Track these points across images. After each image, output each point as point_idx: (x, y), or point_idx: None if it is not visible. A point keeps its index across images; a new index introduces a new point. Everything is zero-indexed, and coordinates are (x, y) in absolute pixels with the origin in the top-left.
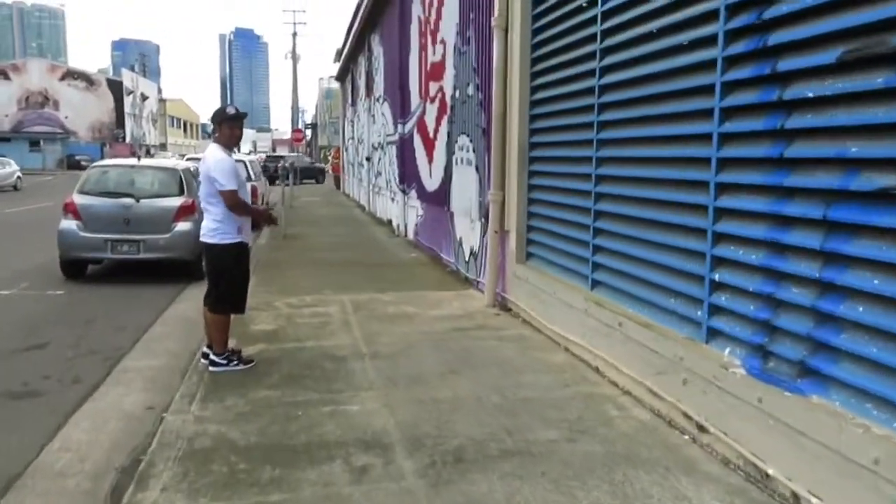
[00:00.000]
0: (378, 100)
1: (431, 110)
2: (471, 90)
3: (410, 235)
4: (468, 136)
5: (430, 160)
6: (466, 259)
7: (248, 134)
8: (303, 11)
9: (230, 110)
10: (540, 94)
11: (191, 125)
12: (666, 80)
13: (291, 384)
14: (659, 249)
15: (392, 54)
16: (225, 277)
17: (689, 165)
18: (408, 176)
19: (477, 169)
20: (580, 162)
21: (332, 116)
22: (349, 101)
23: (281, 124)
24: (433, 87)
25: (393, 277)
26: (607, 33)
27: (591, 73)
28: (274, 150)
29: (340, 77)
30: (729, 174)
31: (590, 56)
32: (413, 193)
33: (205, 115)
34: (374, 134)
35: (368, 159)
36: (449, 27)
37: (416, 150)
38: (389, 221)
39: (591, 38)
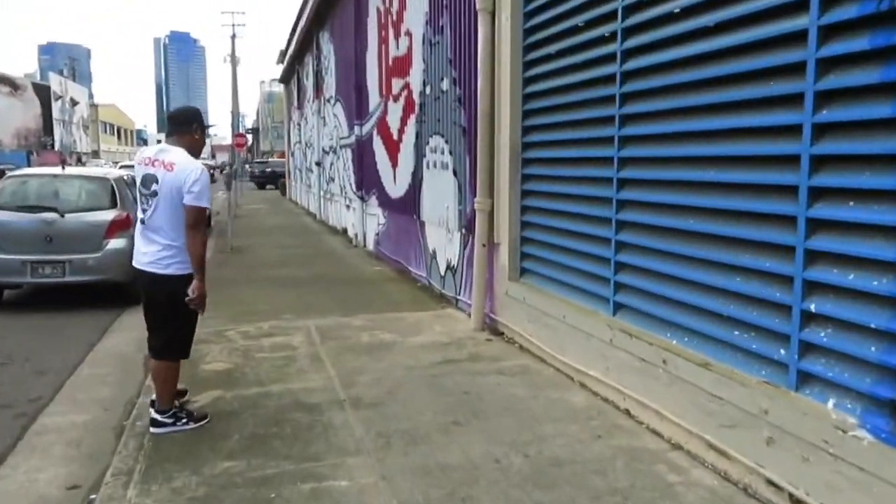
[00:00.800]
0: (329, 101)
1: (395, 109)
2: (445, 85)
3: (371, 246)
4: (443, 136)
5: (395, 164)
6: (442, 274)
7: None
8: (242, 13)
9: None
10: (536, 87)
11: (125, 131)
12: (732, 58)
13: (257, 449)
14: (721, 271)
15: (345, 51)
16: (181, 316)
17: (771, 166)
18: (366, 182)
19: (455, 173)
20: (594, 163)
21: (274, 120)
22: (295, 103)
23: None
24: (397, 83)
25: (360, 296)
26: (633, 9)
27: (609, 59)
28: (213, 156)
29: (285, 79)
30: (830, 175)
31: (607, 38)
32: (373, 200)
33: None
34: (325, 137)
35: (319, 164)
36: (416, 17)
37: (377, 153)
38: (345, 230)
39: (610, 17)
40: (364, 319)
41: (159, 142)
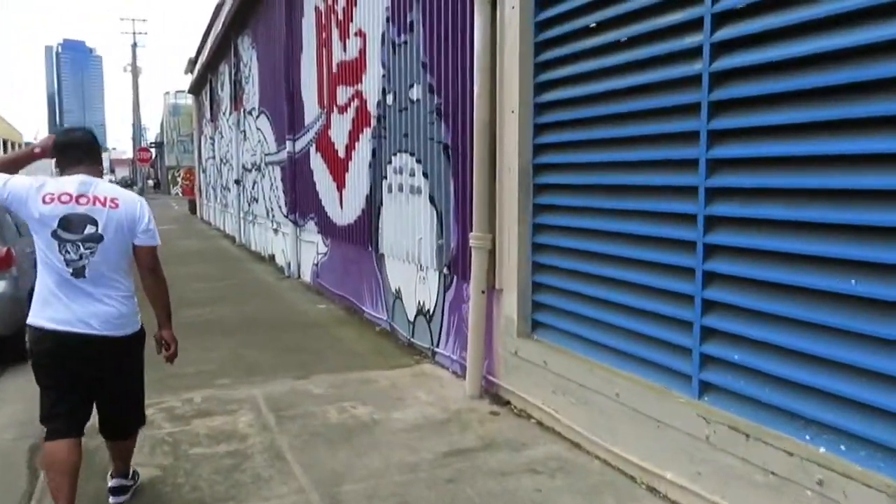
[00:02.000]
0: (251, 113)
1: (341, 122)
2: (416, 93)
3: (308, 277)
4: (413, 155)
5: (341, 186)
6: (411, 319)
7: None
8: (143, 20)
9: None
10: (553, 94)
11: (12, 144)
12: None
13: None
14: None
15: (272, 58)
16: (142, 375)
17: None
18: (302, 204)
19: (433, 200)
20: (654, 193)
21: (180, 134)
22: (208, 115)
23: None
24: (344, 92)
25: (310, 346)
26: None
27: (689, 54)
28: (112, 171)
29: (195, 90)
30: None
31: (685, 27)
32: (311, 226)
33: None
34: (246, 153)
35: (238, 182)
36: (372, 13)
37: (316, 172)
38: (272, 257)
39: None
40: (325, 384)
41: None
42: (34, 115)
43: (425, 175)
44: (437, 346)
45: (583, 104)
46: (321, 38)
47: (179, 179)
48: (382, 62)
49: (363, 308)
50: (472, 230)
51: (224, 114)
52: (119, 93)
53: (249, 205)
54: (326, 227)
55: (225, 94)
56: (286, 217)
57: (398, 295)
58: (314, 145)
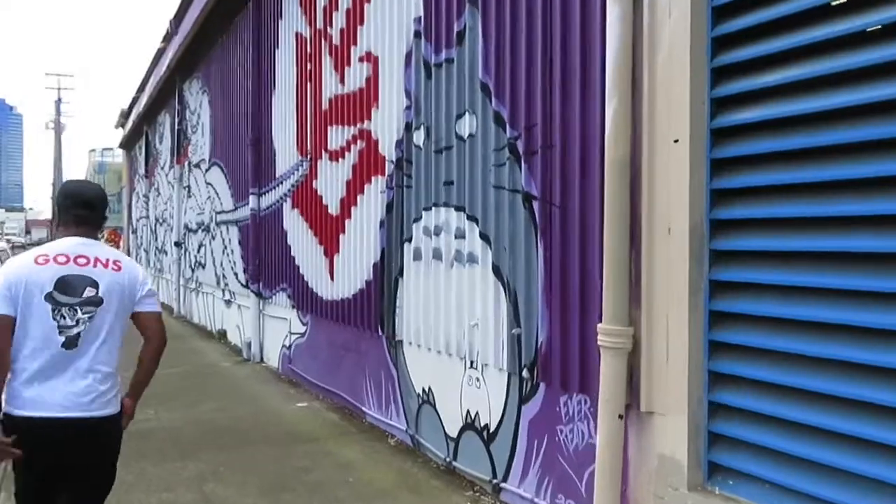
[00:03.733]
0: (198, 166)
1: (335, 171)
2: (469, 127)
3: (276, 362)
4: (463, 210)
5: (332, 250)
6: (452, 434)
7: None
8: (70, 76)
9: None
10: (745, 114)
11: None
12: None
13: None
14: None
15: (231, 101)
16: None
17: None
18: (269, 272)
19: (499, 272)
20: None
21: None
22: (141, 171)
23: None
24: (339, 134)
25: (308, 478)
26: None
27: None
28: (28, 232)
29: (127, 144)
30: None
31: None
32: (281, 299)
33: None
34: (191, 211)
35: (179, 244)
36: (388, 30)
37: (292, 233)
38: (223, 334)
39: None
40: None
41: None
42: None
43: (485, 237)
44: (506, 479)
45: (800, 126)
46: (304, 71)
47: (102, 240)
48: (407, 90)
49: (364, 410)
50: (599, 320)
51: (162, 168)
52: (40, 150)
53: (193, 270)
54: (306, 302)
55: (164, 146)
56: (246, 287)
57: (427, 398)
58: (289, 200)
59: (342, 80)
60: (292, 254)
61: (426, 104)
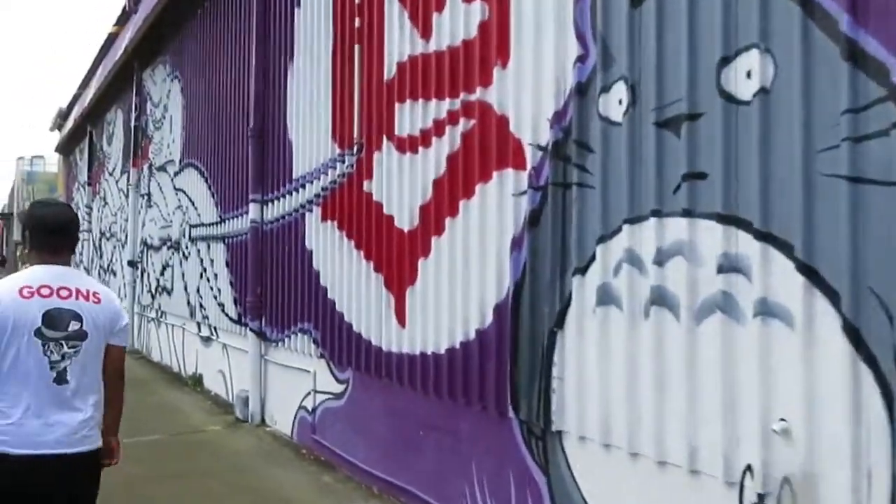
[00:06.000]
0: (163, 169)
1: (409, 167)
2: (759, 73)
3: (288, 427)
4: (737, 223)
5: (404, 281)
6: None
7: None
8: None
9: None
10: None
11: None
12: None
13: None
14: None
15: (217, 83)
16: None
17: None
18: (279, 305)
19: (858, 341)
20: None
21: None
22: (83, 178)
23: None
24: (418, 111)
25: None
26: None
27: None
28: None
29: (64, 148)
30: None
31: None
32: (300, 343)
33: None
34: (151, 224)
35: (134, 264)
36: None
37: (323, 253)
38: (199, 380)
39: None
40: None
41: None
42: None
43: (810, 273)
44: None
45: None
46: (348, 30)
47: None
48: (579, 31)
49: None
50: None
51: (111, 174)
52: None
53: (154, 297)
54: (346, 351)
55: (114, 148)
56: (238, 323)
57: None
58: (317, 209)
59: (424, 33)
60: (322, 282)
61: (632, 47)
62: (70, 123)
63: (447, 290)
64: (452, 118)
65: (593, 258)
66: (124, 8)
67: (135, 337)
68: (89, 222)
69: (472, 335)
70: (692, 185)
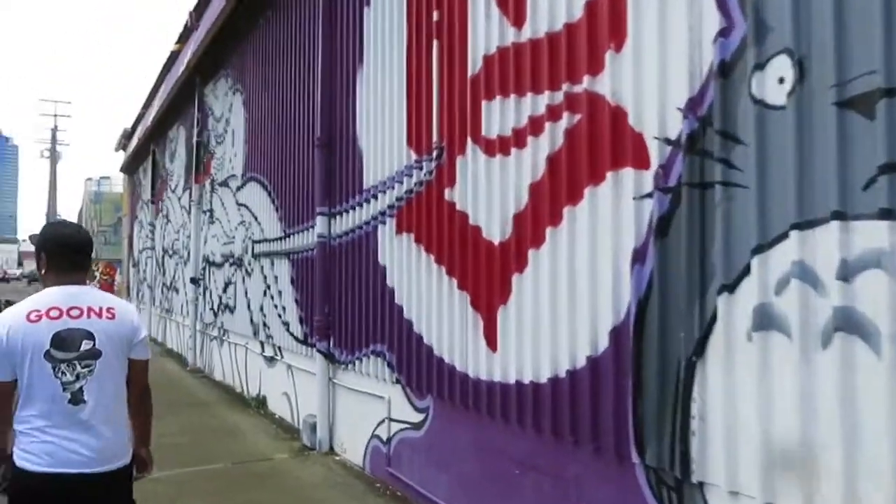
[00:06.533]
0: (225, 184)
1: (500, 171)
2: None
3: (359, 457)
4: None
5: (495, 300)
6: None
7: None
8: (67, 103)
9: None
10: None
11: None
12: None
13: None
14: None
15: (281, 94)
16: None
17: None
18: (349, 325)
19: None
20: None
21: (101, 224)
22: (147, 196)
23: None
24: (509, 108)
25: None
26: None
27: None
28: (20, 264)
29: (129, 168)
30: None
31: None
32: (373, 367)
33: None
34: (213, 240)
35: (196, 281)
36: None
37: (398, 269)
38: (262, 401)
39: None
40: None
41: None
42: None
43: None
44: None
45: None
46: (424, 26)
47: (98, 274)
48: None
49: None
50: None
51: (174, 191)
52: (34, 180)
53: (216, 314)
54: (426, 377)
55: (177, 165)
56: (304, 343)
57: None
58: (391, 221)
59: (517, 21)
60: (397, 301)
61: (797, 12)
62: (134, 143)
63: (548, 311)
64: (553, 114)
65: (746, 272)
66: (186, 24)
67: (196, 355)
68: (152, 240)
69: (582, 363)
70: (893, 178)
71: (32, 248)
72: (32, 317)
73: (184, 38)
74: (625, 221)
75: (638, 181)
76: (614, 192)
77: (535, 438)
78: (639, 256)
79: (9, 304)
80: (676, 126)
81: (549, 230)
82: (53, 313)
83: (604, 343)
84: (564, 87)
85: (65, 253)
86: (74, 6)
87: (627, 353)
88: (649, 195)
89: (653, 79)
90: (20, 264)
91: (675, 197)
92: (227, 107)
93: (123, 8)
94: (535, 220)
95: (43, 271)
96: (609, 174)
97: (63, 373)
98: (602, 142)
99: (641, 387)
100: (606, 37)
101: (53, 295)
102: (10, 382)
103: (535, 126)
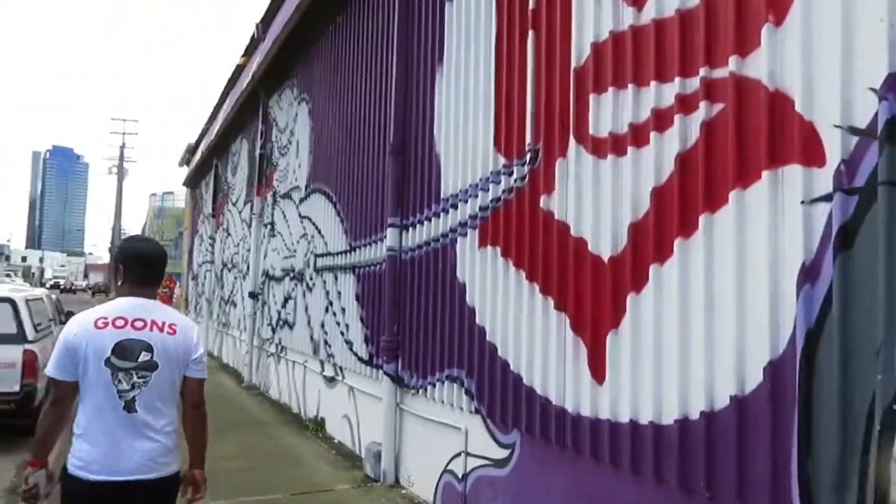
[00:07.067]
0: (288, 196)
1: (612, 175)
2: None
3: (429, 492)
4: None
5: (602, 323)
6: None
7: (57, 257)
8: (135, 121)
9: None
10: None
11: None
12: None
13: None
14: None
15: (350, 101)
16: None
17: None
18: (420, 346)
19: None
20: None
21: (163, 238)
22: (208, 210)
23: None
24: (624, 102)
25: None
26: None
27: None
28: (86, 276)
29: (192, 181)
30: None
31: None
32: (447, 393)
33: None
34: (274, 254)
35: (255, 296)
36: None
37: (480, 286)
38: (321, 424)
39: None
40: None
41: (24, 259)
42: (13, 217)
43: None
44: None
45: None
46: (519, 18)
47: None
48: None
49: None
50: None
51: (235, 204)
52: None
53: (275, 330)
54: (512, 408)
55: (239, 178)
56: (369, 364)
57: None
58: (474, 233)
59: (637, 0)
60: (478, 321)
61: None
62: (197, 157)
63: (676, 337)
64: (686, 104)
65: None
66: (252, 37)
67: (253, 372)
68: (212, 253)
69: (723, 402)
70: None
71: (97, 262)
72: (99, 323)
73: (250, 50)
74: (788, 230)
75: (808, 181)
76: (772, 194)
77: (653, 489)
78: (809, 274)
79: (70, 315)
80: (868, 111)
81: (677, 242)
82: (119, 322)
83: (755, 380)
84: (702, 72)
85: (139, 266)
86: (146, 27)
87: (791, 394)
88: (826, 198)
89: (833, 54)
90: (86, 276)
91: (865, 199)
92: (292, 117)
93: (192, 28)
94: (659, 230)
95: (120, 282)
96: (765, 173)
97: (120, 381)
98: (755, 134)
99: (811, 438)
100: (763, 9)
101: (122, 305)
102: (72, 383)
103: (661, 120)
